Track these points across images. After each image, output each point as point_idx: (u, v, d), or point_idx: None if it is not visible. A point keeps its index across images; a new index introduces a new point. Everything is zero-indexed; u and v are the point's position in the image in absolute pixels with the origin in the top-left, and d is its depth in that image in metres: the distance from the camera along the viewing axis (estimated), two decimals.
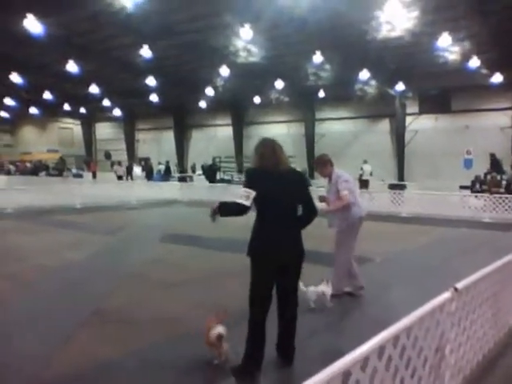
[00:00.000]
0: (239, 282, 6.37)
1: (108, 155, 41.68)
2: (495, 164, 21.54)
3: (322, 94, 29.87)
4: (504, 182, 19.08)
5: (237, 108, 36.09)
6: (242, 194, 3.85)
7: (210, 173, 27.59)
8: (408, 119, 29.25)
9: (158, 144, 42.03)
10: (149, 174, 29.49)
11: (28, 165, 38.65)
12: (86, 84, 28.88)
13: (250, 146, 35.41)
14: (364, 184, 21.75)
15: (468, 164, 24.10)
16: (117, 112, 39.93)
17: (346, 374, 2.10)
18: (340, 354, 2.17)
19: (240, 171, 33.43)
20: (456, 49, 20.82)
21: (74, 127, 48.13)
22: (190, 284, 7.00)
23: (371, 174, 23.15)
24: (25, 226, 13.18)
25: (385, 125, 30.86)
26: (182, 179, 29.83)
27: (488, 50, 20.98)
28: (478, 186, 19.86)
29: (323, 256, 7.44)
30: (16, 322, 5.33)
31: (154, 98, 32.89)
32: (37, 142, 47.67)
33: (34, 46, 20.95)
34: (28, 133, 50.20)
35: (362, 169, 22.90)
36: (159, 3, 16.83)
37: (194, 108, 36.64)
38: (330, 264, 6.49)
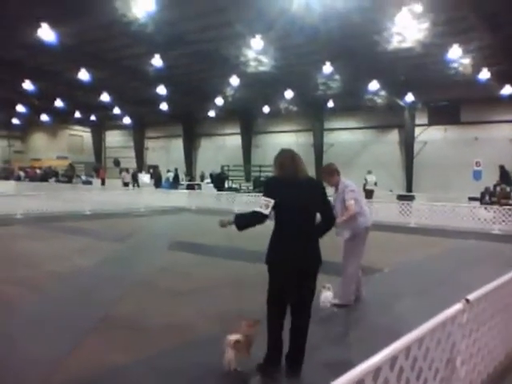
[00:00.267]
0: (248, 291, 6.40)
1: (117, 162, 41.93)
2: (504, 176, 21.45)
3: (331, 103, 29.91)
4: None
5: (246, 117, 36.22)
6: (262, 203, 3.97)
7: (219, 181, 27.67)
8: (417, 130, 29.18)
9: (166, 152, 42.22)
10: (157, 182, 29.64)
11: (38, 171, 38.91)
12: (97, 92, 29.16)
13: (258, 155, 35.59)
14: (369, 194, 21.76)
15: (477, 175, 24.01)
16: (127, 120, 40.23)
17: None
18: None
19: (248, 180, 33.47)
20: (466, 60, 20.79)
21: (84, 134, 48.54)
22: (198, 292, 7.00)
23: (376, 184, 23.31)
24: (34, 232, 13.26)
25: (394, 135, 30.80)
26: (190, 187, 29.93)
27: (498, 63, 20.95)
28: (487, 197, 19.76)
29: (329, 265, 7.41)
30: (25, 326, 5.35)
31: (163, 106, 33.09)
32: (47, 149, 48.06)
33: (47, 54, 21.22)
34: (38, 139, 50.66)
35: (365, 179, 23.05)
36: (171, 13, 17.01)
37: (203, 117, 36.84)
38: (334, 273, 6.46)
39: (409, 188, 28.78)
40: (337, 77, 24.26)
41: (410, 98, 26.74)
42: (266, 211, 3.93)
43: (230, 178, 32.27)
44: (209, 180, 30.57)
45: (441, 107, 27.82)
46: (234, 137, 37.58)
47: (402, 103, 27.73)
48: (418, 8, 15.53)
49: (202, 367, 4.27)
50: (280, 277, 4.02)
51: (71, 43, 20.23)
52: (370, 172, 23.68)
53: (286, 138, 33.95)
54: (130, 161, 41.71)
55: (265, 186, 4.22)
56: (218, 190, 26.49)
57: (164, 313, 5.93)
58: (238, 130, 37.16)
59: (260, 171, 31.82)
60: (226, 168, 33.17)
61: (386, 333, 4.97)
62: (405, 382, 2.58)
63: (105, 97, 29.86)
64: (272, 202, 3.93)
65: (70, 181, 35.40)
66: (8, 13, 16.42)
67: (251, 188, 29.61)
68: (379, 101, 27.96)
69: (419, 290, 7.29)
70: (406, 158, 29.56)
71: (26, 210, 16.77)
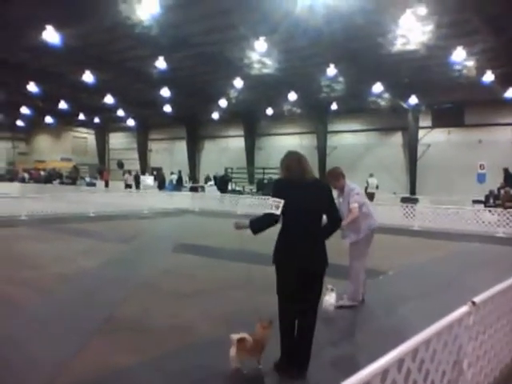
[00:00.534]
0: (253, 293, 6.40)
1: (121, 164, 42.03)
2: (509, 178, 21.39)
3: (334, 106, 29.92)
4: None
5: (249, 119, 36.26)
6: (272, 204, 4.01)
7: (222, 183, 27.71)
8: (421, 132, 29.15)
9: (170, 154, 42.31)
10: (161, 184, 29.69)
11: (42, 173, 39.01)
12: (101, 94, 29.25)
13: (261, 158, 35.61)
14: (370, 197, 21.76)
15: (481, 178, 23.92)
16: (130, 122, 40.39)
17: None
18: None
19: (251, 182, 33.50)
20: (470, 63, 20.77)
21: (88, 136, 48.76)
22: (202, 294, 7.00)
23: (377, 187, 23.54)
24: (39, 234, 13.29)
25: (397, 138, 30.78)
26: (193, 189, 30.00)
27: (502, 65, 20.90)
28: (491, 200, 19.70)
29: (335, 267, 7.40)
30: (29, 328, 5.36)
31: (167, 108, 33.16)
32: (51, 151, 48.21)
33: (52, 56, 21.29)
34: (43, 141, 50.84)
35: (367, 182, 23.23)
36: (176, 16, 17.03)
37: (206, 119, 36.91)
38: (339, 275, 6.46)
39: (412, 191, 28.74)
40: (340, 79, 24.27)
41: (413, 100, 26.71)
42: (278, 212, 3.98)
43: (234, 180, 32.31)
44: (212, 182, 30.62)
45: (445, 110, 27.79)
46: (237, 139, 37.62)
47: (405, 105, 27.70)
48: (422, 10, 15.54)
49: (206, 369, 4.27)
50: (287, 277, 4.06)
51: (76, 45, 20.30)
52: (371, 175, 24.00)
53: (289, 141, 33.94)
54: (133, 163, 41.80)
55: (273, 188, 4.24)
56: (222, 192, 26.53)
57: (168, 314, 5.92)
58: (242, 133, 37.20)
59: (263, 173, 31.85)
60: (229, 170, 33.24)
61: (392, 335, 4.98)
62: None
63: (109, 99, 29.95)
64: (282, 202, 3.98)
65: (73, 183, 35.50)
66: (13, 16, 16.48)
67: (254, 190, 29.63)
68: (383, 103, 27.96)
69: (424, 292, 7.27)
70: (409, 160, 29.54)
71: (30, 211, 16.82)
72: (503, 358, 4.15)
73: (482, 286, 3.80)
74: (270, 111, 32.64)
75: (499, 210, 16.48)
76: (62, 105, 33.12)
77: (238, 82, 24.63)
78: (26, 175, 38.88)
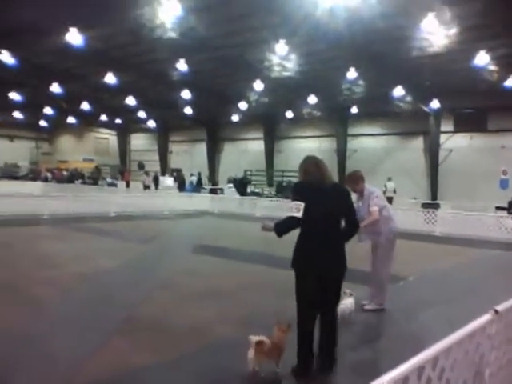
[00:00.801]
0: (271, 296, 6.39)
1: (141, 165, 42.42)
2: None
3: (354, 109, 29.76)
4: None
5: (269, 122, 36.27)
6: (294, 207, 4.04)
7: (241, 186, 27.75)
8: (442, 137, 28.75)
9: (190, 156, 42.55)
10: (181, 185, 29.86)
11: (64, 173, 39.62)
12: (122, 95, 29.62)
13: (280, 160, 35.56)
14: (387, 201, 21.55)
15: (504, 184, 23.53)
16: (151, 123, 40.77)
17: None
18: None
19: (270, 185, 33.48)
20: (493, 67, 20.47)
21: (110, 137, 49.37)
22: (220, 295, 7.01)
23: (395, 192, 23.33)
24: (60, 233, 13.48)
25: (418, 142, 30.41)
26: (212, 191, 30.10)
27: None
28: None
29: (353, 272, 7.36)
30: (49, 326, 5.42)
31: (188, 110, 33.40)
32: (73, 151, 48.95)
33: (75, 57, 21.66)
34: (65, 142, 51.65)
35: (385, 186, 22.97)
36: (197, 19, 17.16)
37: (226, 121, 37.07)
38: (357, 280, 6.41)
39: (433, 196, 28.35)
40: (361, 82, 24.15)
41: (435, 104, 26.41)
42: (299, 214, 4.00)
43: (253, 182, 32.33)
44: (231, 184, 30.67)
45: (467, 114, 27.34)
46: (256, 141, 37.66)
47: (427, 109, 27.39)
48: (445, 14, 15.37)
49: (223, 371, 4.28)
50: (307, 282, 4.06)
51: (98, 47, 20.63)
52: (389, 179, 23.83)
53: (308, 144, 33.86)
54: (153, 164, 42.16)
55: (293, 191, 4.27)
56: (241, 194, 26.55)
57: (187, 315, 5.95)
58: (261, 135, 37.22)
59: (282, 176, 31.79)
60: (248, 173, 33.25)
61: (412, 341, 4.93)
62: None
63: (130, 100, 30.30)
64: (302, 204, 4.00)
65: (95, 183, 35.98)
66: (37, 18, 16.77)
67: (273, 193, 29.60)
68: (404, 107, 27.70)
69: (445, 299, 7.17)
70: (430, 165, 29.13)
71: (52, 210, 17.05)
72: None
73: (504, 293, 3.74)
74: (289, 114, 32.60)
75: None
76: (85, 105, 33.64)
77: (258, 85, 24.68)
78: (49, 175, 39.52)
